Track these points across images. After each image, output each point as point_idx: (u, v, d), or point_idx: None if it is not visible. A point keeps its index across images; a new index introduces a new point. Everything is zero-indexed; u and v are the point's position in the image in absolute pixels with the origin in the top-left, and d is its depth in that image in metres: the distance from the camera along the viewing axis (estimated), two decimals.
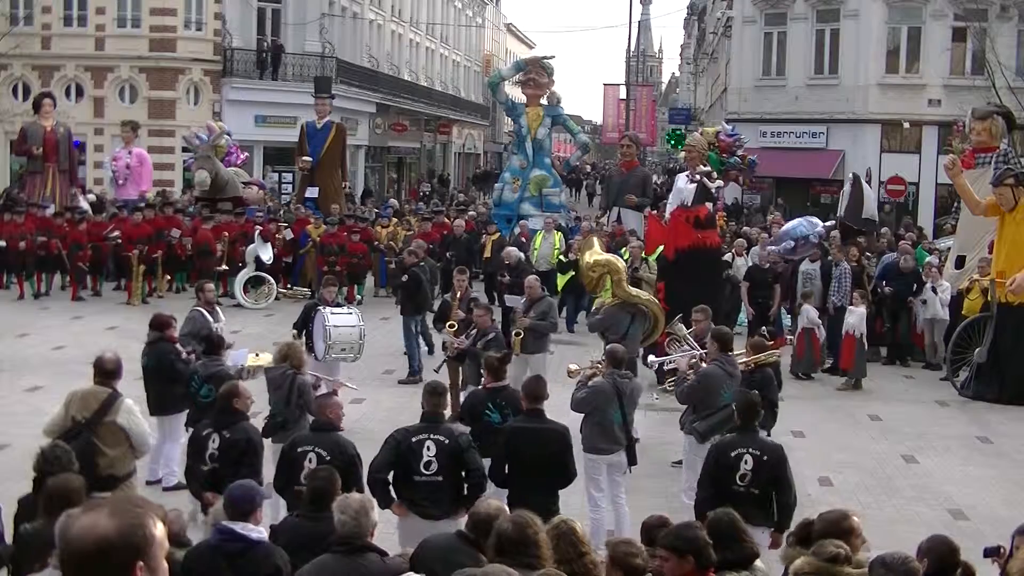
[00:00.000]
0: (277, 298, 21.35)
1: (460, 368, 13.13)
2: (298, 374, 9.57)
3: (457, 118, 57.93)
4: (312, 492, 6.36)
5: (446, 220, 24.53)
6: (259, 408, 9.68)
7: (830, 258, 18.18)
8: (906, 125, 33.60)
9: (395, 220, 25.12)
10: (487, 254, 21.85)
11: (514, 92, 30.79)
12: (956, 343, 16.74)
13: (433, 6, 54.26)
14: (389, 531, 8.03)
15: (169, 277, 22.15)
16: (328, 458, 7.43)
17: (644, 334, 13.48)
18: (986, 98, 25.94)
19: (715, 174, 16.85)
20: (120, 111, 33.08)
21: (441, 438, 7.70)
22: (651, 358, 12.66)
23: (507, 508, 6.01)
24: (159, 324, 10.86)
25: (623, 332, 12.90)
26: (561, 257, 20.67)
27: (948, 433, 14.23)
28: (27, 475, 6.83)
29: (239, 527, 5.68)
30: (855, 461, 12.60)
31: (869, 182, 25.96)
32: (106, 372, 8.28)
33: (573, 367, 10.47)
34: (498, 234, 22.57)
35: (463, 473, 7.74)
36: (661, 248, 16.70)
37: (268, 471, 8.20)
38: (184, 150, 30.58)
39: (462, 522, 6.63)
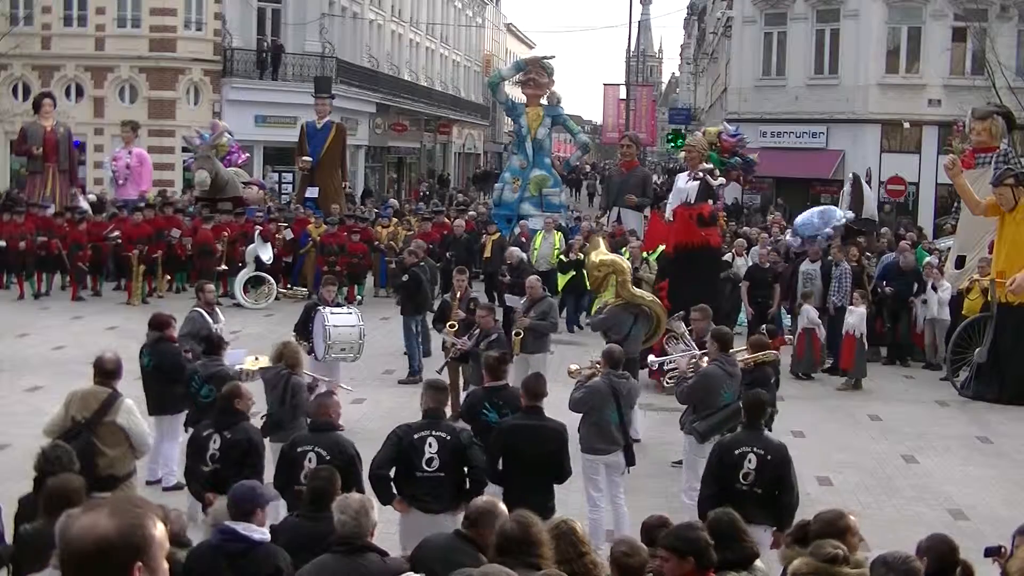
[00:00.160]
0: (277, 298, 21.35)
1: (461, 369, 13.13)
2: (292, 374, 9.57)
3: (457, 118, 57.94)
4: (312, 492, 6.35)
5: (446, 220, 24.52)
6: (258, 409, 9.69)
7: (830, 258, 18.18)
8: (906, 125, 33.61)
9: (395, 220, 25.12)
10: (487, 254, 21.84)
11: (514, 92, 30.77)
12: (956, 343, 16.74)
13: (433, 6, 54.26)
14: (390, 531, 8.04)
15: (169, 277, 22.16)
16: (328, 457, 7.43)
17: (646, 335, 13.47)
18: (986, 98, 25.94)
19: (717, 171, 16.85)
20: (120, 111, 33.09)
21: (443, 435, 7.72)
22: (651, 358, 12.66)
23: (503, 504, 6.02)
24: (159, 324, 10.85)
25: (626, 332, 12.91)
26: (562, 257, 20.68)
27: (948, 433, 14.22)
28: (27, 475, 6.83)
29: (241, 527, 5.67)
30: (855, 461, 12.59)
31: (869, 182, 25.97)
32: (106, 372, 8.28)
33: (574, 367, 10.46)
34: (498, 234, 22.56)
35: (465, 469, 7.75)
36: (662, 247, 16.71)
37: (268, 471, 8.21)
38: (184, 150, 30.59)
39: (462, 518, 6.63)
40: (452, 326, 13.17)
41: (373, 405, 13.94)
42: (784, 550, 6.10)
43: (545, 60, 27.93)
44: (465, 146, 62.85)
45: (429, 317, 15.46)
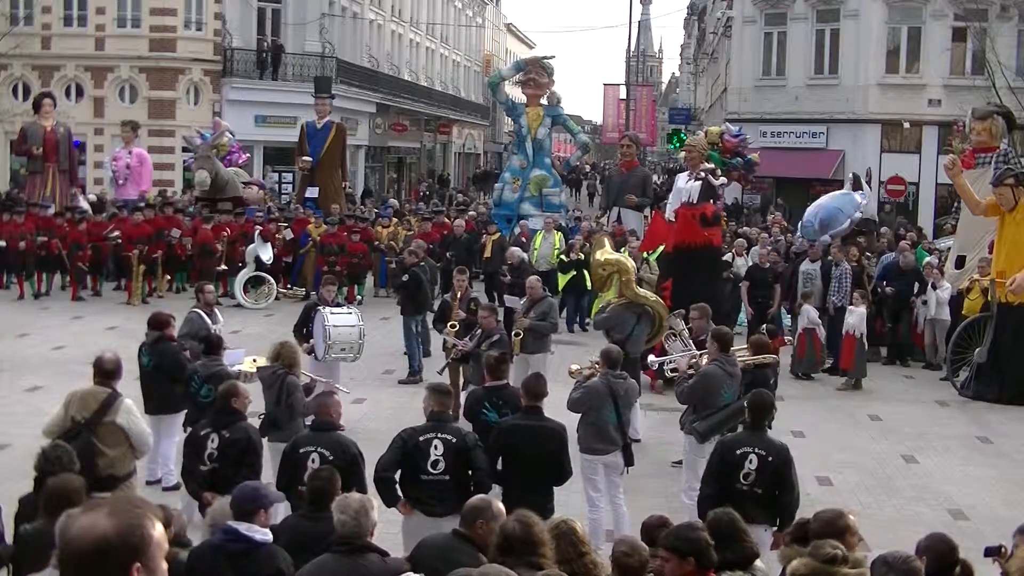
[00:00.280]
0: (277, 298, 21.36)
1: (461, 369, 13.13)
2: (288, 374, 9.58)
3: (457, 118, 57.94)
4: (312, 492, 6.35)
5: (446, 220, 24.52)
6: (257, 408, 9.70)
7: (830, 258, 18.18)
8: (906, 125, 33.61)
9: (395, 220, 25.11)
10: (487, 254, 21.84)
11: (514, 92, 30.78)
12: (956, 343, 16.74)
13: (433, 6, 54.26)
14: (391, 531, 8.03)
15: (169, 277, 22.16)
16: (331, 458, 7.43)
17: (648, 335, 13.47)
18: (986, 98, 25.93)
19: (719, 171, 16.85)
20: (120, 111, 33.09)
21: (449, 437, 7.72)
22: (651, 358, 12.66)
23: (498, 501, 6.02)
24: (158, 323, 10.84)
25: (628, 332, 12.90)
26: (562, 257, 20.67)
27: (948, 433, 14.22)
28: (27, 475, 6.83)
29: (243, 528, 5.67)
30: (855, 461, 12.59)
31: (869, 182, 25.94)
32: (106, 372, 8.28)
33: (574, 367, 10.46)
34: (498, 234, 22.56)
35: (469, 472, 7.75)
36: (662, 247, 16.71)
37: (265, 471, 8.21)
38: (184, 150, 30.59)
39: None
40: (453, 326, 13.16)
41: (373, 405, 13.94)
42: (784, 549, 6.10)
43: (545, 60, 27.94)
44: (465, 146, 62.85)
45: (429, 317, 15.47)
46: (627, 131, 38.48)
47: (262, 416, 9.61)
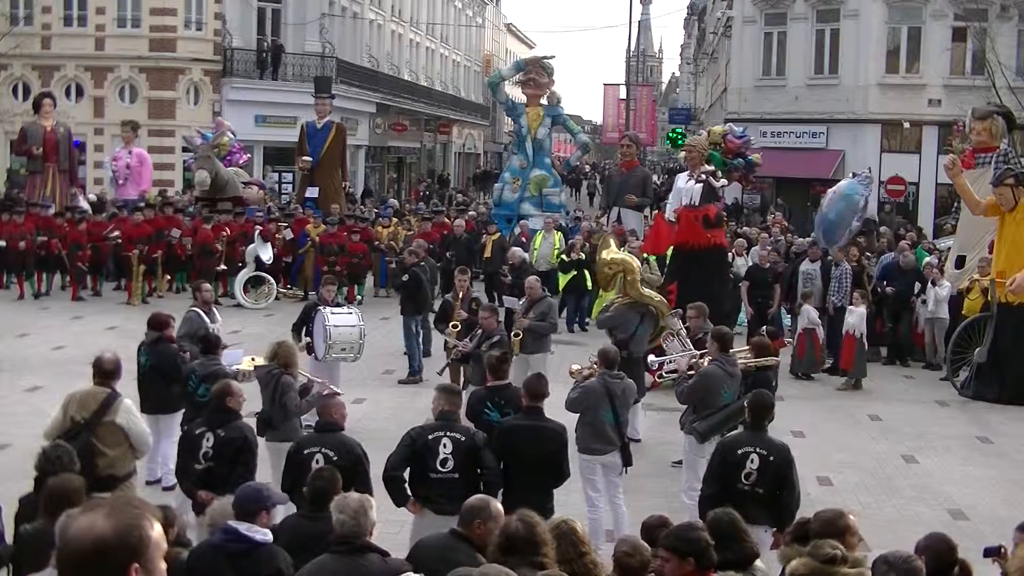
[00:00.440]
0: (277, 298, 21.37)
1: (462, 369, 13.12)
2: (284, 373, 9.59)
3: (457, 118, 57.94)
4: (313, 492, 6.35)
5: (446, 220, 24.52)
6: (255, 408, 9.70)
7: (830, 258, 18.18)
8: (906, 125, 33.60)
9: (395, 220, 25.12)
10: (487, 254, 21.84)
11: (514, 92, 30.78)
12: (956, 343, 16.73)
13: (433, 6, 54.26)
14: (392, 531, 8.03)
15: (169, 277, 22.16)
16: (335, 458, 7.43)
17: (651, 335, 13.47)
18: (986, 98, 25.93)
19: (719, 173, 16.85)
20: (120, 111, 33.09)
21: (458, 435, 7.75)
22: (651, 358, 12.66)
23: (496, 501, 6.02)
24: (158, 324, 10.84)
25: (632, 331, 12.90)
26: (563, 257, 20.67)
27: (948, 433, 14.21)
28: (27, 475, 6.83)
29: (244, 528, 5.66)
30: (855, 461, 12.59)
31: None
32: (105, 372, 8.28)
33: (575, 367, 10.47)
34: (498, 234, 22.56)
35: (478, 471, 7.76)
36: (671, 250, 16.73)
37: (262, 470, 8.21)
38: (184, 150, 30.59)
39: None
40: (455, 326, 13.16)
41: (373, 405, 13.94)
42: (784, 548, 6.10)
43: (545, 60, 27.94)
44: (465, 146, 62.85)
45: (430, 317, 15.47)
46: (627, 131, 38.48)
47: (257, 415, 9.63)
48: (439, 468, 7.66)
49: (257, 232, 21.44)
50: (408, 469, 7.79)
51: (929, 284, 17.72)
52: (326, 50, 37.22)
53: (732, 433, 8.93)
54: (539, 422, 8.21)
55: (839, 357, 16.91)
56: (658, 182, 36.70)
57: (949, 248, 20.97)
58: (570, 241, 21.54)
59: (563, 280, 20.21)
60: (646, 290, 13.86)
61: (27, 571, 5.19)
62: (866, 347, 16.72)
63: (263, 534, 5.71)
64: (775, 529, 7.73)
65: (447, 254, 21.78)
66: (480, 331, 12.29)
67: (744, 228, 25.78)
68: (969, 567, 5.65)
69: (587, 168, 63.66)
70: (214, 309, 12.62)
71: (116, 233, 21.20)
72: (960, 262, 18.98)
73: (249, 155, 30.26)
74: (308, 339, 13.00)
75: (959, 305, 17.50)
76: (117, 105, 34.03)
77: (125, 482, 8.14)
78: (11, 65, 33.84)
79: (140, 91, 34.31)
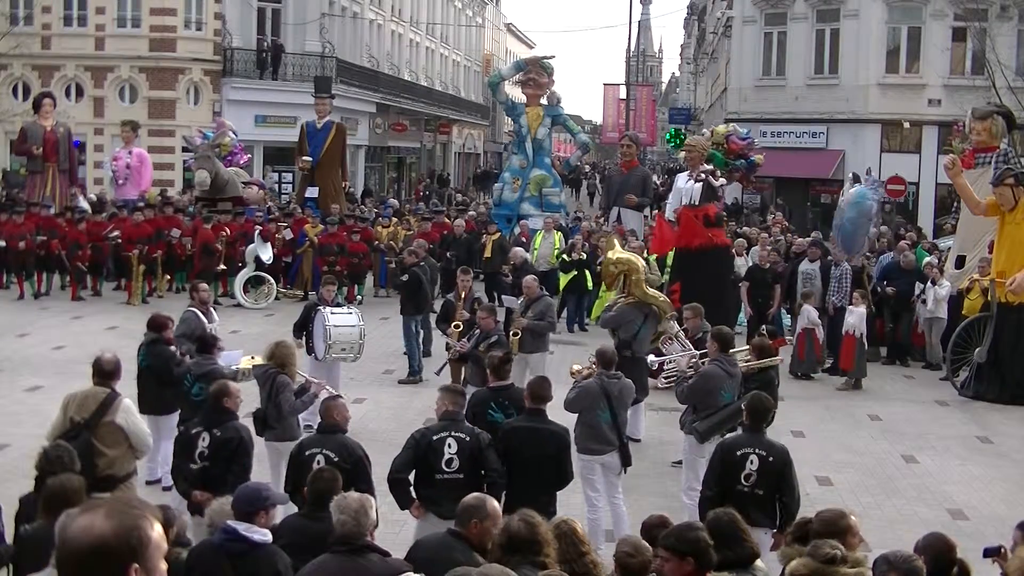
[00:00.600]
0: (277, 298, 21.37)
1: (462, 369, 13.12)
2: (280, 373, 9.59)
3: (457, 118, 57.94)
4: (314, 492, 6.35)
5: (446, 220, 24.53)
6: (252, 408, 9.70)
7: (830, 258, 18.18)
8: (906, 125, 33.60)
9: (395, 220, 25.12)
10: (487, 254, 21.84)
11: (514, 92, 30.79)
12: (956, 343, 16.73)
13: (433, 6, 54.26)
14: (393, 531, 8.04)
15: (169, 277, 22.15)
16: (336, 459, 7.43)
17: (654, 335, 13.46)
18: (986, 98, 25.93)
19: (718, 172, 16.87)
20: (120, 111, 33.10)
21: (462, 436, 7.76)
22: (651, 358, 12.67)
23: (492, 500, 6.01)
24: (157, 325, 10.83)
25: (635, 331, 12.88)
26: (564, 257, 20.67)
27: (948, 433, 14.22)
28: (27, 475, 6.83)
29: (243, 528, 5.66)
30: (855, 461, 12.59)
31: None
32: (105, 373, 8.27)
33: (575, 367, 10.47)
34: (498, 234, 22.56)
35: (482, 472, 7.76)
36: (673, 251, 16.75)
37: (256, 469, 8.21)
38: (184, 150, 30.59)
39: None
40: (456, 326, 13.16)
41: (373, 405, 13.94)
42: (784, 548, 6.10)
43: (545, 60, 27.94)
44: (465, 146, 62.85)
45: (430, 317, 15.46)
46: (627, 131, 38.48)
47: (252, 414, 9.65)
48: (444, 469, 7.67)
49: (257, 232, 21.44)
50: (414, 471, 7.79)
51: (929, 284, 17.72)
52: (326, 50, 37.22)
53: (731, 434, 8.92)
54: (540, 424, 8.21)
55: (839, 357, 16.92)
56: (658, 182, 36.69)
57: (949, 248, 20.97)
58: (571, 241, 21.54)
59: (563, 280, 20.20)
60: (651, 290, 13.86)
61: (27, 571, 5.19)
62: (866, 347, 16.72)
63: (262, 534, 5.71)
64: (775, 531, 7.73)
65: (447, 254, 21.79)
66: (478, 331, 12.29)
67: (744, 228, 25.76)
68: (968, 567, 5.65)
69: (587, 168, 63.66)
70: (211, 309, 12.63)
71: (116, 233, 21.19)
72: (960, 262, 18.98)
73: (249, 155, 30.26)
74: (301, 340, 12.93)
75: (959, 305, 17.50)
76: (117, 105, 34.04)
77: (125, 482, 8.13)
78: (11, 65, 33.84)
79: (140, 91, 34.31)
